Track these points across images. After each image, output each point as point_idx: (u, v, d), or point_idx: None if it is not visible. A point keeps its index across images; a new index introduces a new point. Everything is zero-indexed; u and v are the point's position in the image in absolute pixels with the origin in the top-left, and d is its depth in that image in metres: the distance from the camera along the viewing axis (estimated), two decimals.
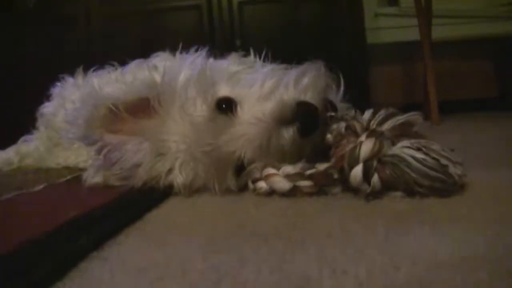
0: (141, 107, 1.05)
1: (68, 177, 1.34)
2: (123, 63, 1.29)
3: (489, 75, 3.74)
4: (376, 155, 0.84)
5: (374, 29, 3.67)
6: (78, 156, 1.59)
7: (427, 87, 2.81)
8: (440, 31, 3.30)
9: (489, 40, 3.56)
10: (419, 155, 0.82)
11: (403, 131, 0.91)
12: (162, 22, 3.29)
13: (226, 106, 1.00)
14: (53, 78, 1.67)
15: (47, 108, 1.69)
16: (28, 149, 1.75)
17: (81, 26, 3.35)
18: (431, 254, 0.55)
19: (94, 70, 1.41)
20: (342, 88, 1.15)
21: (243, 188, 1.01)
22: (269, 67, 1.14)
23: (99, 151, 1.07)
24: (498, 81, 3.72)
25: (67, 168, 1.59)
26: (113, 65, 1.32)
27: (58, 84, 1.65)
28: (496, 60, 3.74)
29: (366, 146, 0.84)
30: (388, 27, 3.72)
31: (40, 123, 1.74)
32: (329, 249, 0.60)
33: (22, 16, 3.35)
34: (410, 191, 0.83)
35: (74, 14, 3.35)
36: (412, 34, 3.18)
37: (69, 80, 1.60)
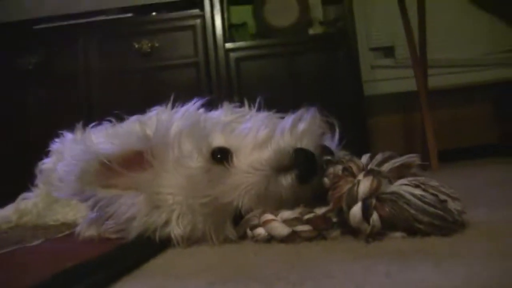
0: (135, 161, 1.04)
1: (66, 232, 1.32)
2: (122, 119, 1.29)
3: (488, 121, 3.74)
4: (374, 193, 0.83)
5: (371, 81, 3.69)
6: (77, 212, 1.58)
7: (425, 136, 2.81)
8: (437, 80, 3.32)
9: (487, 86, 3.57)
10: (417, 191, 0.81)
11: (401, 173, 0.91)
12: (161, 79, 3.31)
13: (221, 156, 0.99)
14: (53, 135, 1.67)
15: (45, 165, 1.69)
16: (27, 207, 1.74)
17: (81, 83, 3.37)
18: None
19: (93, 126, 1.41)
20: (337, 134, 1.15)
21: (242, 237, 1.00)
22: (262, 115, 1.13)
23: (93, 207, 1.05)
24: (498, 127, 3.72)
25: (66, 224, 1.57)
26: (111, 121, 1.32)
27: (57, 140, 1.64)
28: (494, 106, 3.75)
29: (364, 184, 0.83)
30: (385, 79, 3.74)
31: (39, 179, 1.73)
32: None
33: (22, 77, 3.37)
34: (411, 230, 0.82)
35: (74, 71, 3.37)
36: (409, 85, 3.20)
37: (68, 136, 1.60)
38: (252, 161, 0.95)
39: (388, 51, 3.83)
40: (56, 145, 1.65)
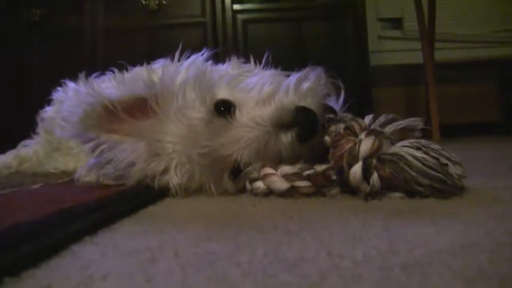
0: (139, 107, 1.04)
1: (66, 179, 1.33)
2: (126, 70, 1.28)
3: (493, 98, 3.74)
4: (375, 153, 0.83)
5: (378, 52, 3.68)
6: (77, 161, 1.59)
7: (429, 110, 2.80)
8: (443, 54, 3.31)
9: (493, 63, 3.56)
10: (418, 153, 0.81)
11: (404, 136, 0.90)
12: (167, 37, 3.30)
13: (224, 109, 0.99)
14: (56, 85, 1.67)
15: (47, 113, 1.69)
16: (27, 153, 1.74)
17: (86, 40, 3.36)
18: (430, 241, 0.54)
19: (96, 76, 1.40)
20: (342, 96, 1.14)
21: (241, 190, 1.00)
22: (269, 72, 1.13)
23: (94, 149, 1.06)
24: (503, 104, 3.72)
25: (66, 172, 1.58)
26: (114, 72, 1.31)
27: (59, 89, 1.63)
28: (500, 83, 3.74)
29: (365, 144, 0.83)
30: (391, 50, 3.73)
31: (40, 127, 1.73)
32: (326, 237, 0.59)
33: (28, 28, 3.36)
34: (410, 191, 0.82)
35: (80, 28, 3.36)
36: (415, 57, 3.19)
37: (70, 85, 1.59)
38: (254, 116, 0.95)
39: (396, 23, 3.81)
40: (58, 94, 1.65)
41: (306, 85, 0.99)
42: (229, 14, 3.32)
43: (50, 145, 1.67)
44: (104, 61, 3.26)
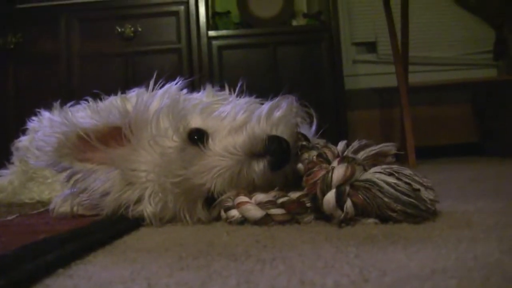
0: (113, 136, 1.05)
1: (41, 209, 1.32)
2: (100, 99, 1.28)
3: (467, 120, 3.78)
4: (348, 180, 0.83)
5: (353, 76, 3.71)
6: (52, 191, 1.58)
7: (404, 132, 2.82)
8: (417, 77, 3.35)
9: (466, 85, 3.61)
10: (391, 179, 0.82)
11: (377, 161, 0.91)
12: (143, 64, 3.31)
13: (197, 137, 0.99)
14: (31, 114, 1.66)
15: (22, 142, 1.68)
16: (2, 184, 1.73)
17: (62, 65, 3.36)
18: (401, 267, 0.55)
19: (71, 105, 1.40)
20: (315, 123, 1.15)
21: (216, 219, 1.00)
22: (243, 100, 1.13)
23: (68, 179, 1.06)
24: (476, 126, 3.76)
25: (41, 202, 1.57)
26: (88, 101, 1.31)
27: (34, 118, 1.63)
28: (473, 105, 3.79)
29: (338, 172, 0.84)
30: (366, 74, 3.76)
31: (15, 157, 1.73)
32: (299, 265, 0.59)
33: (2, 56, 3.35)
34: (383, 217, 0.83)
35: (55, 53, 3.36)
36: (390, 80, 3.23)
37: (45, 114, 1.59)
38: (226, 145, 0.95)
39: (371, 47, 3.84)
40: (33, 123, 1.64)
41: (278, 113, 0.99)
42: (204, 40, 3.34)
43: (25, 175, 1.66)
44: (79, 86, 3.27)
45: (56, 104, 1.52)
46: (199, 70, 3.31)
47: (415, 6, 3.29)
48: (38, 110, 1.62)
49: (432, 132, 3.69)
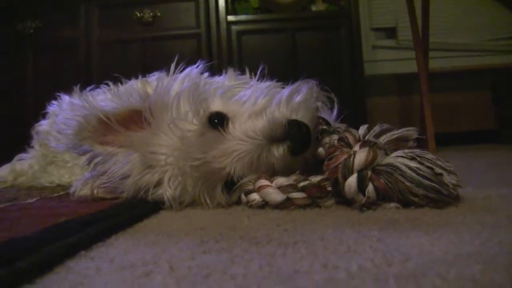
0: (133, 119, 1.05)
1: (61, 193, 1.33)
2: (120, 82, 1.28)
3: (486, 107, 3.74)
4: (370, 164, 0.83)
5: (372, 61, 3.69)
6: (72, 174, 1.59)
7: (424, 119, 2.80)
8: (437, 63, 3.32)
9: (486, 72, 3.57)
10: (413, 164, 0.81)
11: (398, 146, 0.91)
12: (162, 49, 3.30)
13: (217, 121, 0.99)
14: (51, 99, 1.66)
15: (42, 126, 1.69)
16: (22, 167, 1.74)
17: (81, 51, 3.36)
18: (425, 252, 0.54)
19: (91, 89, 1.40)
20: (336, 108, 1.15)
21: (236, 203, 1.00)
22: (264, 84, 1.13)
23: (89, 162, 1.06)
24: (496, 113, 3.73)
25: (61, 186, 1.57)
26: (108, 84, 1.31)
27: (54, 102, 1.63)
28: (493, 92, 3.75)
29: (360, 156, 0.83)
30: (385, 59, 3.74)
31: (35, 141, 1.73)
32: (321, 249, 0.59)
33: (22, 40, 3.36)
34: (405, 201, 0.82)
35: (74, 40, 3.36)
36: (409, 66, 3.20)
37: (65, 98, 1.59)
38: (246, 129, 0.95)
39: (390, 32, 3.82)
40: (53, 107, 1.65)
41: (298, 98, 0.99)
42: (223, 25, 3.33)
43: (45, 158, 1.67)
44: (98, 73, 3.27)
45: (76, 88, 1.53)
46: (218, 55, 3.30)
47: None
48: (58, 94, 1.62)
49: (451, 119, 3.67)
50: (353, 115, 3.07)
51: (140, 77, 1.20)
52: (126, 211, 0.89)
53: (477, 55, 3.69)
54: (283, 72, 3.16)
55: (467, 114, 3.73)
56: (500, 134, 3.62)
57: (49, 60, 3.38)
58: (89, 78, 3.23)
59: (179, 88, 1.05)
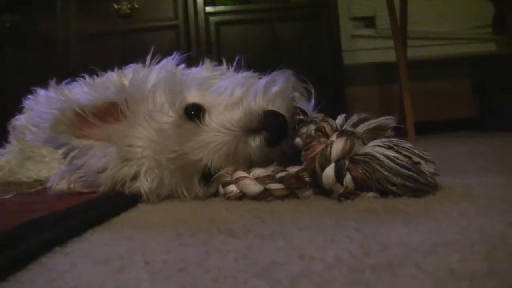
0: (109, 112, 1.04)
1: (39, 188, 1.31)
2: (97, 75, 1.27)
3: (467, 95, 3.76)
4: (347, 154, 0.82)
5: (351, 51, 3.69)
6: (50, 169, 1.57)
7: (403, 108, 2.81)
8: (417, 52, 3.33)
9: (466, 60, 3.59)
10: (390, 153, 0.81)
11: (376, 135, 0.90)
12: (140, 41, 3.27)
13: (194, 113, 0.98)
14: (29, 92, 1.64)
15: (18, 121, 1.67)
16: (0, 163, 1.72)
17: (59, 45, 3.32)
18: (402, 241, 0.54)
19: (67, 83, 1.38)
20: (313, 98, 1.14)
21: (214, 195, 0.99)
22: (241, 75, 1.12)
23: (65, 155, 1.05)
24: (475, 101, 3.74)
25: (38, 181, 1.56)
26: (85, 78, 1.29)
27: (30, 96, 1.61)
28: (473, 80, 3.77)
29: (337, 146, 0.83)
30: (364, 49, 3.74)
31: (12, 136, 1.71)
32: (298, 240, 0.58)
33: (0, 35, 3.32)
34: (383, 191, 0.82)
35: (52, 33, 3.32)
36: (388, 55, 3.21)
37: (41, 92, 1.57)
38: (223, 120, 0.94)
39: (369, 21, 3.82)
40: (29, 102, 1.62)
41: (274, 88, 0.98)
42: (201, 16, 3.31)
43: (22, 153, 1.65)
44: (77, 66, 3.22)
45: (52, 82, 1.50)
46: (197, 47, 3.28)
47: None
48: (34, 88, 1.60)
49: (431, 107, 3.67)
50: (333, 104, 3.09)
51: (116, 69, 1.18)
52: (102, 205, 0.88)
53: (456, 43, 3.70)
54: (262, 62, 3.13)
55: (448, 102, 3.73)
56: (482, 120, 3.64)
57: (27, 54, 3.34)
58: (68, 71, 3.18)
59: (155, 80, 1.04)
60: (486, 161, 1.45)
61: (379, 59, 3.61)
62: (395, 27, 2.83)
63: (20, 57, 3.32)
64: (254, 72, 1.15)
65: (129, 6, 3.32)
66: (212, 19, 3.32)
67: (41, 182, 1.51)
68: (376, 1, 3.62)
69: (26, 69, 3.28)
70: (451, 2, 3.78)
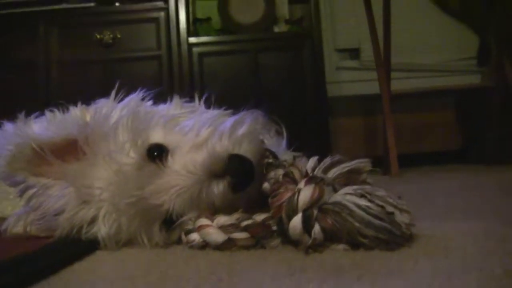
0: (69, 150, 0.98)
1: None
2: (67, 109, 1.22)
3: (451, 127, 3.74)
4: (316, 203, 0.76)
5: (335, 83, 3.66)
6: (16, 206, 1.50)
7: (387, 140, 2.78)
8: (400, 84, 3.30)
9: (450, 92, 3.57)
10: (362, 202, 0.75)
11: (350, 179, 0.85)
12: (122, 71, 3.24)
13: (157, 154, 0.92)
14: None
15: None
16: None
17: (40, 72, 3.28)
18: None
19: (36, 116, 1.33)
20: (285, 137, 1.09)
21: (178, 242, 0.93)
22: (210, 113, 1.07)
23: (21, 193, 0.99)
24: (460, 133, 3.72)
25: (2, 219, 1.49)
26: (52, 111, 1.24)
27: None
28: (457, 112, 3.75)
29: (305, 194, 0.77)
30: (349, 81, 3.71)
31: None
32: None
33: None
34: (354, 243, 0.76)
35: (34, 59, 3.28)
36: (373, 87, 3.18)
37: (8, 126, 1.51)
38: (186, 162, 0.88)
39: (354, 53, 3.80)
40: None
41: (241, 130, 0.92)
42: (184, 47, 3.28)
43: None
44: (58, 94, 3.18)
45: (21, 115, 1.44)
46: (180, 77, 3.25)
47: (398, 12, 3.25)
48: (0, 121, 1.54)
49: (415, 139, 3.64)
50: (317, 137, 3.05)
51: (79, 104, 1.12)
52: (52, 254, 0.82)
53: (441, 75, 3.68)
54: (245, 94, 3.15)
55: (432, 134, 3.71)
56: (466, 152, 3.61)
57: (7, 80, 3.29)
58: (49, 99, 3.15)
59: (118, 117, 0.98)
60: (468, 201, 1.39)
61: (364, 91, 3.58)
62: (379, 59, 2.82)
63: (0, 84, 3.28)
64: (230, 106, 1.09)
65: (111, 36, 3.30)
66: (195, 50, 3.30)
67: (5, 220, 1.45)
68: (361, 33, 3.61)
69: (5, 95, 3.22)
70: (435, 34, 3.77)
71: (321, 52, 3.31)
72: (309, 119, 3.12)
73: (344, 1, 3.80)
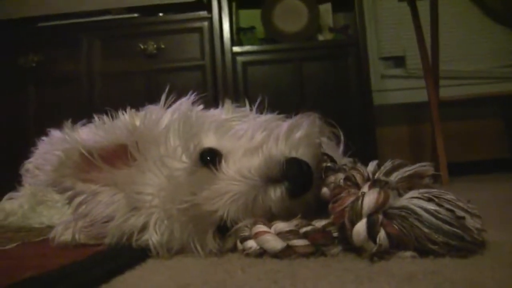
0: (119, 156, 0.95)
1: (46, 236, 1.23)
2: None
3: (499, 135, 3.66)
4: (381, 207, 0.72)
5: (381, 91, 3.62)
6: (63, 215, 1.49)
7: (435, 148, 2.71)
8: (447, 91, 3.23)
9: (498, 99, 3.49)
10: (431, 206, 0.71)
11: (412, 184, 0.80)
12: (166, 81, 3.21)
13: (210, 159, 0.88)
14: None
15: (31, 164, 1.59)
16: (12, 207, 1.65)
17: (83, 85, 3.30)
18: None
19: (83, 124, 1.31)
20: (342, 142, 1.05)
21: (232, 250, 0.89)
22: (263, 117, 1.03)
23: (70, 200, 0.97)
24: (509, 141, 3.64)
25: (51, 227, 1.48)
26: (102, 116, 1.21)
27: (44, 138, 1.54)
28: (506, 120, 3.67)
29: (370, 198, 0.72)
30: (394, 89, 3.67)
31: (25, 179, 1.64)
32: None
33: (24, 75, 3.30)
34: (422, 250, 0.71)
35: (76, 73, 3.30)
36: (419, 95, 3.13)
37: (56, 134, 1.50)
38: (241, 167, 0.85)
39: (399, 61, 3.75)
40: (43, 144, 1.55)
41: (298, 133, 0.88)
42: (228, 56, 3.26)
43: (35, 198, 1.58)
44: (101, 107, 3.17)
45: (68, 123, 1.43)
46: (224, 87, 3.24)
47: (445, 19, 3.20)
48: (49, 129, 1.53)
49: (463, 148, 3.58)
50: (363, 146, 3.00)
51: (128, 109, 1.10)
52: (103, 263, 0.78)
53: (488, 83, 3.61)
54: (290, 103, 3.11)
55: (480, 142, 3.64)
56: None
57: (51, 94, 3.31)
58: (92, 112, 3.14)
59: (168, 121, 0.95)
60: None
61: (409, 99, 3.53)
62: (427, 67, 2.76)
63: (44, 98, 3.30)
64: (279, 113, 1.06)
65: (155, 46, 3.30)
66: (239, 59, 3.28)
67: (52, 228, 1.43)
68: (406, 41, 3.57)
69: (50, 110, 3.24)
70: (483, 41, 3.72)
71: (367, 61, 3.26)
72: (354, 128, 3.07)
73: (388, 9, 3.77)
